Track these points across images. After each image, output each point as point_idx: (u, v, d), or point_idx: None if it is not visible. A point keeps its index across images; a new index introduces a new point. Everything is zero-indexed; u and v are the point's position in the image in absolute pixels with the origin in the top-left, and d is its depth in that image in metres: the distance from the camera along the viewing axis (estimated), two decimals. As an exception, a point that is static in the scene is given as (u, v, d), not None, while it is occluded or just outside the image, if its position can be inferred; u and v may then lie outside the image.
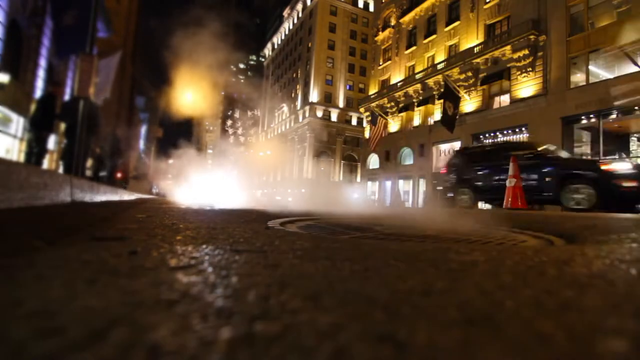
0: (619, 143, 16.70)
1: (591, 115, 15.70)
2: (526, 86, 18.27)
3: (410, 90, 25.78)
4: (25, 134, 15.93)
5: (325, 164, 44.54)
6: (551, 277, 0.80)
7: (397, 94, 27.05)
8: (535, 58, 17.96)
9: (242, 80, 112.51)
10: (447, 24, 24.33)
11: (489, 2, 21.26)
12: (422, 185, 25.45)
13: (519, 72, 18.54)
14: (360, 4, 49.11)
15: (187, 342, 0.39)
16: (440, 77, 22.81)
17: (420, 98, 25.23)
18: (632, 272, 0.87)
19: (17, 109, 14.95)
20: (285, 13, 59.39)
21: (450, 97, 20.98)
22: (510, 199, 7.49)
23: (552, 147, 7.57)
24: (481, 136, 20.61)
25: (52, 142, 19.80)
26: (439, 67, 23.49)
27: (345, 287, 0.68)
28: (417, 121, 26.06)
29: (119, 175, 11.91)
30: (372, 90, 31.78)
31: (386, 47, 30.77)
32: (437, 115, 23.65)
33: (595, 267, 0.91)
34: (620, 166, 5.68)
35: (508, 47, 18.78)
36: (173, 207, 4.81)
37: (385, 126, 27.59)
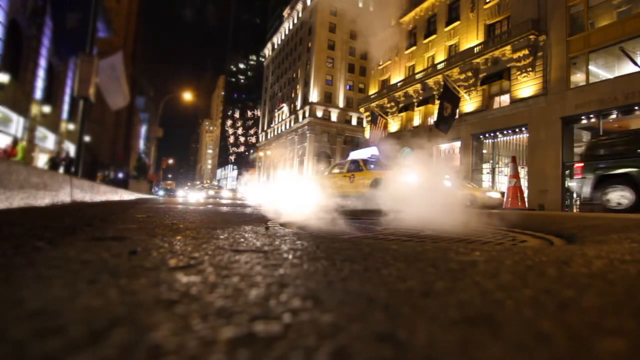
0: (619, 143, 16.69)
1: (591, 115, 15.70)
2: (526, 86, 18.27)
3: (410, 90, 25.76)
4: (25, 133, 15.93)
5: (325, 163, 44.53)
6: (551, 277, 0.80)
7: (397, 94, 27.03)
8: (535, 58, 17.96)
9: (242, 81, 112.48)
10: (447, 24, 24.32)
11: (489, 2, 21.25)
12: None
13: (519, 72, 18.53)
14: (360, 5, 49.11)
15: (187, 342, 0.39)
16: (440, 77, 22.80)
17: (420, 98, 25.21)
18: (632, 272, 0.87)
19: (17, 108, 14.95)
20: (285, 13, 59.38)
21: (449, 97, 20.95)
22: (510, 199, 7.47)
23: None
24: (481, 136, 20.62)
25: (51, 141, 19.80)
26: (439, 67, 23.48)
27: (345, 287, 0.68)
28: (417, 121, 26.05)
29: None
30: (372, 90, 31.76)
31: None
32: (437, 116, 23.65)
33: (595, 267, 0.91)
34: None
35: (508, 47, 18.77)
36: (173, 207, 4.81)
37: (386, 126, 27.58)
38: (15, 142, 12.44)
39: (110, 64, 9.40)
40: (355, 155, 23.06)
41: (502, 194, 10.59)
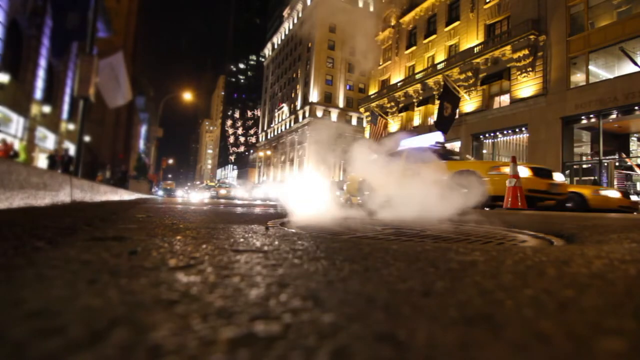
0: (618, 143, 16.71)
1: (591, 115, 15.71)
2: (526, 86, 18.27)
3: (410, 90, 25.77)
4: (25, 133, 15.94)
5: (325, 164, 44.50)
6: (551, 277, 0.80)
7: (397, 94, 27.04)
8: (535, 58, 17.96)
9: (242, 81, 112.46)
10: (447, 24, 24.32)
11: (489, 2, 21.26)
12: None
13: (519, 72, 18.54)
14: (361, 5, 49.12)
15: (187, 342, 0.39)
16: (440, 77, 22.80)
17: (420, 98, 25.23)
18: (632, 272, 0.87)
19: (17, 108, 14.95)
20: (285, 13, 59.39)
21: (449, 97, 20.95)
22: (510, 199, 7.48)
23: None
24: (481, 136, 20.63)
25: (51, 141, 19.78)
26: (439, 67, 23.48)
27: (345, 287, 0.68)
28: (417, 121, 26.05)
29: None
30: (372, 90, 31.78)
31: (386, 47, 30.78)
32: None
33: (595, 267, 0.91)
34: None
35: (508, 47, 18.78)
36: (173, 207, 4.81)
37: (386, 126, 27.59)
38: (4, 141, 12.24)
39: (110, 64, 9.41)
40: (413, 142, 18.33)
41: (624, 192, 8.41)
